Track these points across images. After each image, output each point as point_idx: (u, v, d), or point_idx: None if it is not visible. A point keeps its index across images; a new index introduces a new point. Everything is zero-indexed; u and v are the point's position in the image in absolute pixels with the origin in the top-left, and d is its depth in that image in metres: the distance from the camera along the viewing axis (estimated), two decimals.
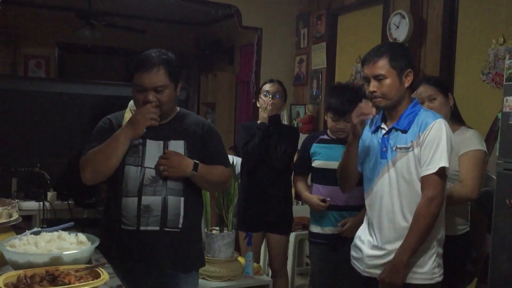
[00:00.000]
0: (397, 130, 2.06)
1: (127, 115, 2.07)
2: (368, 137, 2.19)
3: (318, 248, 2.81)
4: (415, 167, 2.00)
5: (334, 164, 2.64)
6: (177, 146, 2.03)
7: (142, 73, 1.97)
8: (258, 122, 3.13)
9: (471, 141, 2.33)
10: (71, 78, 2.85)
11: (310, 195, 2.81)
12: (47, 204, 2.32)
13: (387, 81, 2.02)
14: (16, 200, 2.20)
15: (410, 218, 1.99)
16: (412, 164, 2.01)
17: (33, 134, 2.47)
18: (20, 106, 2.46)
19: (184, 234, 2.04)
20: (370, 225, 2.15)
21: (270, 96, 3.12)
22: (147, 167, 1.98)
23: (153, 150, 2.01)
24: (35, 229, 1.83)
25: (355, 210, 2.67)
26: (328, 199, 2.70)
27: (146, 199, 1.98)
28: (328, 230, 2.76)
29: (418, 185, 2.01)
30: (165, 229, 1.99)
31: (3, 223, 1.81)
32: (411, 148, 2.01)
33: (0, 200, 1.90)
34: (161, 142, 2.02)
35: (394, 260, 1.99)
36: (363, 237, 2.17)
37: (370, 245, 2.12)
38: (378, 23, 4.23)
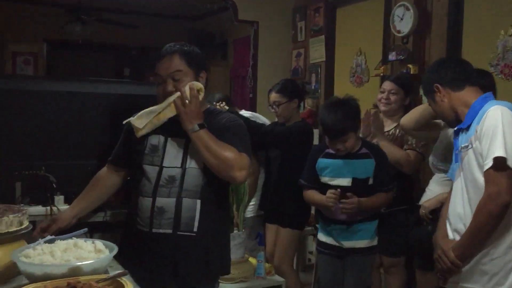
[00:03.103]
0: (462, 130, 1.93)
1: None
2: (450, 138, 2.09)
3: (324, 256, 2.74)
4: (478, 165, 1.82)
5: (340, 181, 2.57)
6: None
7: (158, 63, 1.90)
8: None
9: None
10: (77, 76, 2.75)
11: (322, 196, 2.59)
12: (54, 209, 2.21)
13: None
14: (22, 205, 2.10)
15: None
16: (473, 162, 1.83)
17: (36, 135, 2.34)
18: (21, 106, 2.33)
19: (201, 239, 1.92)
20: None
21: (272, 107, 3.18)
22: (164, 167, 1.90)
23: (173, 149, 1.92)
24: (49, 237, 1.72)
25: (359, 223, 2.59)
26: (338, 190, 2.50)
27: (160, 201, 1.89)
28: (332, 241, 2.66)
29: (483, 186, 1.80)
30: (178, 232, 1.89)
31: (14, 231, 1.70)
32: (470, 145, 1.84)
33: (9, 207, 1.79)
34: (183, 140, 1.91)
35: (446, 250, 1.88)
36: None
37: None
38: (379, 15, 4.17)
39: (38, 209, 2.23)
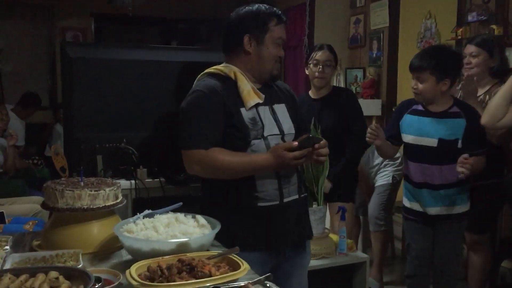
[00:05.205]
0: None
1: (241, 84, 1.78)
2: None
3: (411, 223, 2.58)
4: None
5: (425, 141, 2.39)
6: (281, 109, 1.88)
7: (281, 26, 1.82)
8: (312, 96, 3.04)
9: None
10: (151, 44, 2.68)
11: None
12: (138, 182, 2.12)
13: None
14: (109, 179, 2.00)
15: None
16: None
17: (115, 107, 2.24)
18: (98, 76, 2.22)
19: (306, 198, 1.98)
20: None
21: (320, 66, 2.92)
22: (268, 136, 1.79)
23: (267, 117, 1.82)
24: (146, 212, 1.62)
25: (450, 188, 2.40)
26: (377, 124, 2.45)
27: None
28: (418, 207, 2.49)
29: None
30: (301, 195, 1.89)
31: (111, 205, 1.61)
32: None
33: (102, 181, 1.70)
34: (267, 107, 1.83)
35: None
36: None
37: None
38: None
39: (123, 183, 2.12)
